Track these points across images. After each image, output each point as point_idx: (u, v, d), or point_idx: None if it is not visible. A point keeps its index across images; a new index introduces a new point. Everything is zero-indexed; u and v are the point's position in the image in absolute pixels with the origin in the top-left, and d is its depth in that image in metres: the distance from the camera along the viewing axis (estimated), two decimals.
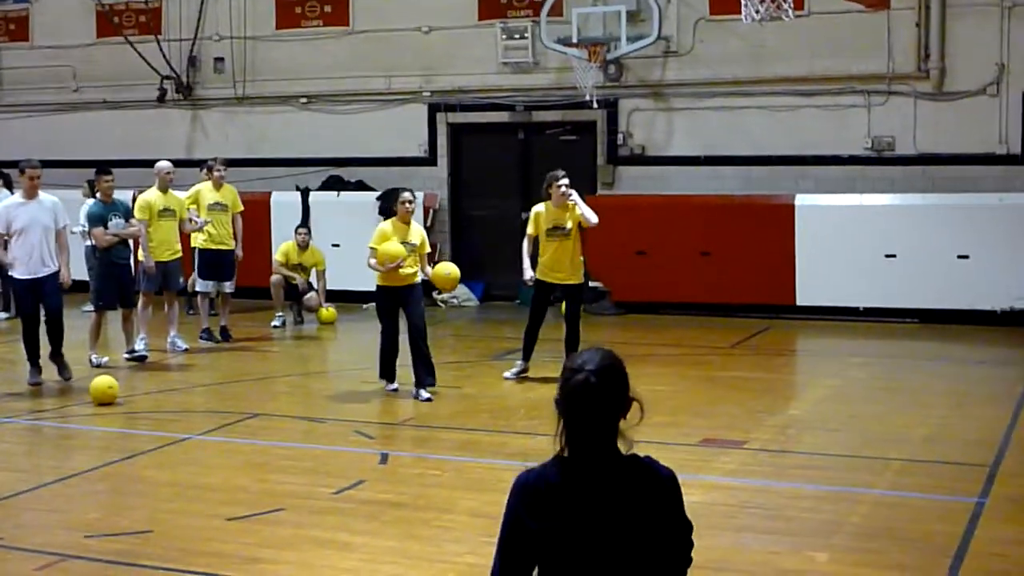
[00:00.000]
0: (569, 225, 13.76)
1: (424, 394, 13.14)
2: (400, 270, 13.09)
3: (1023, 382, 13.96)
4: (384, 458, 10.78)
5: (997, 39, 18.23)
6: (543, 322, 14.09)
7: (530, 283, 14.03)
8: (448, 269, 14.05)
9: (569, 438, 4.24)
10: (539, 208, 13.96)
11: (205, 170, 17.38)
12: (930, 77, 18.53)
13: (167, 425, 12.26)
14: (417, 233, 13.59)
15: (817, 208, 18.39)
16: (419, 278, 13.51)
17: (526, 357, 14.18)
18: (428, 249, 13.93)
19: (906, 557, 8.20)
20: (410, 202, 13.59)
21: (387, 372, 13.60)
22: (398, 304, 13.33)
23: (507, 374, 14.17)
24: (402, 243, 13.23)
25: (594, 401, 4.17)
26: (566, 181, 13.82)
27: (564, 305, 14.30)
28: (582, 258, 14.21)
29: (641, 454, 4.49)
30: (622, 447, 4.36)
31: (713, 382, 14.26)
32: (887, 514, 9.15)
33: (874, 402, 12.99)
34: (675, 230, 19.06)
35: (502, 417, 12.37)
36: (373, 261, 13.26)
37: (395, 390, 13.48)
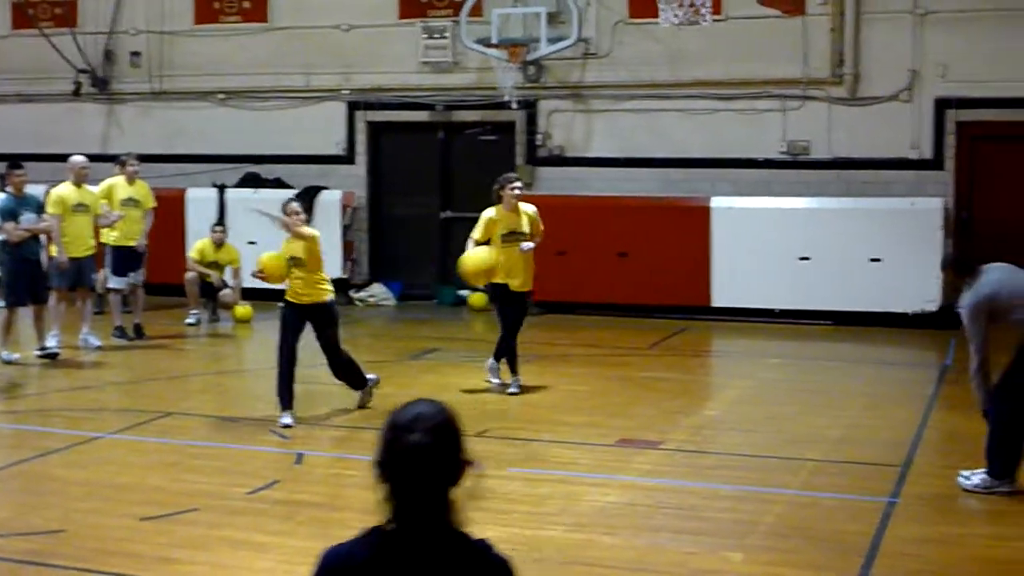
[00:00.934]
0: (526, 229, 13.35)
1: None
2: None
3: (934, 383, 14.18)
4: (300, 458, 10.73)
5: (910, 46, 18.48)
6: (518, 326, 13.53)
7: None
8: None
9: (393, 508, 3.60)
10: (490, 213, 13.29)
11: (118, 165, 17.19)
12: (844, 82, 18.75)
13: (80, 423, 12.11)
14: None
15: (733, 210, 18.55)
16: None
17: (513, 369, 13.52)
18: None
19: (819, 556, 8.30)
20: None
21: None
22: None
23: (511, 390, 13.33)
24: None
25: (427, 467, 3.63)
26: (520, 184, 13.48)
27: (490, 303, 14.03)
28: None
29: (475, 536, 3.85)
30: (455, 522, 3.76)
31: (630, 383, 14.33)
32: (801, 514, 9.26)
33: (788, 403, 13.12)
34: (593, 231, 19.13)
35: None
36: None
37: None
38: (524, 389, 13.39)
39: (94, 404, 13.13)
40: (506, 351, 13.50)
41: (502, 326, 13.47)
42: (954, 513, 9.24)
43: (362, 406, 12.73)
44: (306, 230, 11.86)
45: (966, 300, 9.43)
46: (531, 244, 13.29)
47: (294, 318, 12.20)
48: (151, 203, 17.09)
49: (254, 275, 12.39)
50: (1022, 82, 17.90)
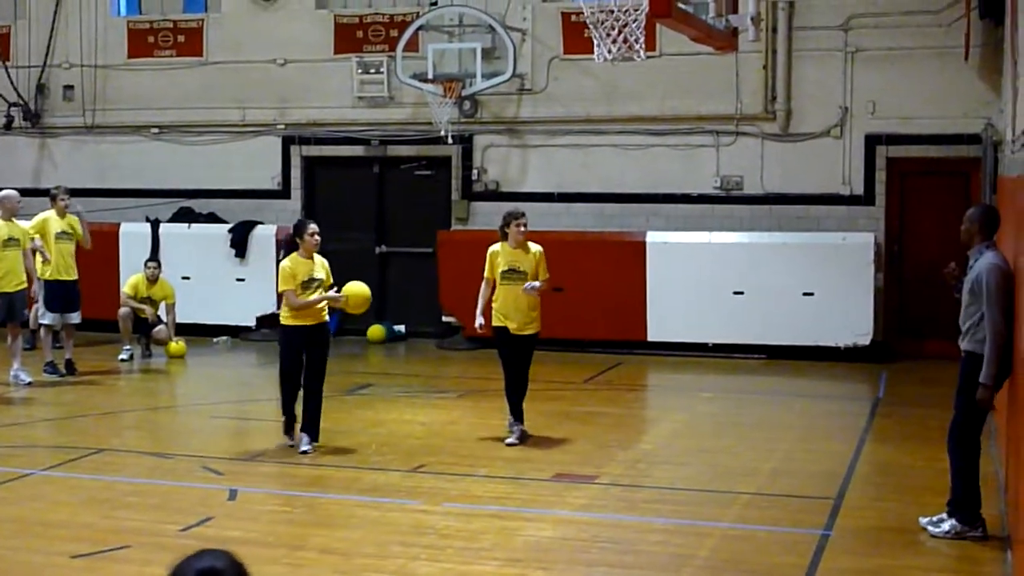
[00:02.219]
0: (526, 268, 12.63)
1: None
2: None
3: (866, 416, 14.30)
4: (233, 494, 10.65)
5: (841, 83, 18.71)
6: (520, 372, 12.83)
7: (479, 329, 12.94)
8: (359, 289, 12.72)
9: None
10: (495, 248, 12.82)
11: (51, 199, 17.04)
12: (776, 118, 18.95)
13: (10, 460, 11.96)
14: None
15: (668, 245, 18.65)
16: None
17: (517, 417, 12.77)
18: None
19: None
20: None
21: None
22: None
23: (508, 441, 12.58)
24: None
25: None
26: (525, 220, 12.74)
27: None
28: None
29: None
30: None
31: (566, 417, 14.34)
32: (735, 547, 9.29)
33: (722, 436, 13.18)
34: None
35: (353, 452, 12.29)
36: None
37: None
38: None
39: (25, 440, 12.98)
40: (509, 393, 12.84)
41: (503, 369, 12.88)
42: (887, 545, 9.30)
43: (305, 451, 12.22)
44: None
45: (998, 259, 9.03)
46: (535, 284, 12.58)
47: (301, 340, 12.40)
48: (80, 235, 16.91)
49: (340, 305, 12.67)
50: (950, 119, 18.17)
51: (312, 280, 12.34)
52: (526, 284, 12.58)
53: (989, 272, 8.93)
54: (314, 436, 12.38)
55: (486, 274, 12.84)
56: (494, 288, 12.84)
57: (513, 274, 12.67)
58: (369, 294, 12.81)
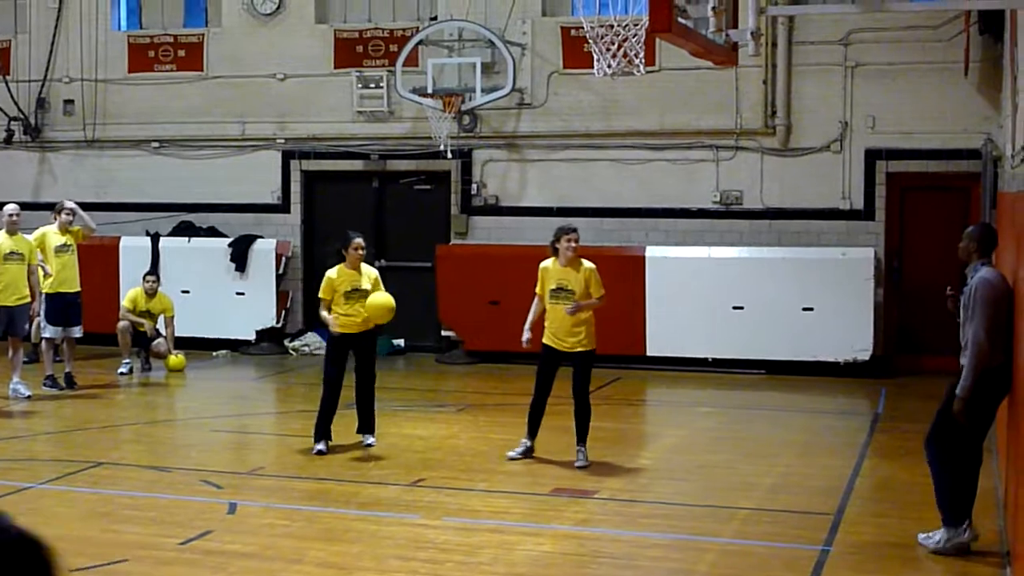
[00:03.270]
0: (573, 287, 12.31)
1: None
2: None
3: (866, 432, 14.29)
4: (232, 508, 10.64)
5: (841, 98, 18.74)
6: (549, 394, 12.67)
7: (525, 345, 12.70)
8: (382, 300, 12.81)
9: None
10: (545, 264, 12.52)
11: (55, 214, 17.04)
12: (776, 133, 18.98)
13: (9, 474, 11.96)
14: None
15: (667, 260, 18.66)
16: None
17: (531, 434, 12.67)
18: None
19: None
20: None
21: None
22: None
23: (510, 454, 12.57)
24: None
25: None
26: (575, 236, 12.36)
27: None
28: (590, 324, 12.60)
29: None
30: None
31: (564, 432, 14.30)
32: (734, 562, 9.29)
33: (722, 451, 13.17)
34: (527, 280, 19.02)
35: (352, 466, 12.29)
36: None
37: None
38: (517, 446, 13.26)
39: (24, 454, 12.97)
40: (532, 410, 12.67)
41: (535, 386, 12.65)
42: (887, 561, 9.29)
43: (369, 444, 13.10)
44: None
45: (993, 275, 9.07)
46: (578, 305, 12.23)
47: (344, 348, 12.95)
48: (79, 238, 16.93)
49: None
50: (950, 134, 18.20)
51: (355, 291, 12.78)
52: (568, 307, 12.27)
53: (978, 286, 8.98)
54: (372, 431, 13.22)
55: (536, 290, 12.64)
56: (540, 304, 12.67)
57: (561, 292, 12.37)
58: (386, 303, 12.81)
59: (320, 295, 12.97)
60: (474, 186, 20.28)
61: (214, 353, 20.17)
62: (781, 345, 18.12)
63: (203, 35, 21.66)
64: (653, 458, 13.20)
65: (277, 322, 20.60)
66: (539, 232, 19.54)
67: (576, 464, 12.39)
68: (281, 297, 20.69)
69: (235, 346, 20.51)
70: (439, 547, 9.48)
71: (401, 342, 20.52)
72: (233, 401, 16.90)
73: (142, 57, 21.92)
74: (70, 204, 16.96)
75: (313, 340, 20.64)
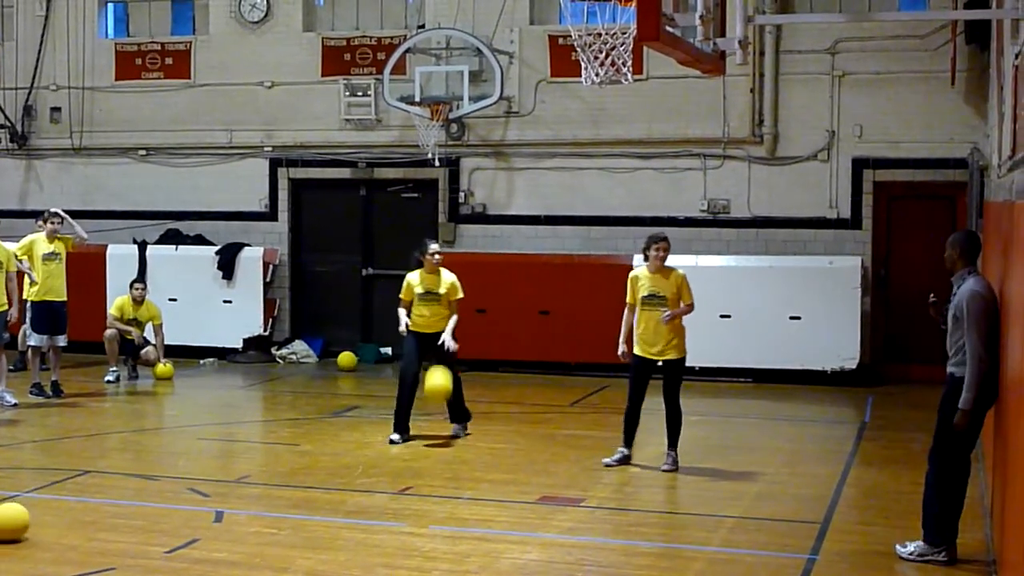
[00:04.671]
0: (665, 293, 12.52)
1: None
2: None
3: (853, 440, 14.31)
4: (219, 516, 10.62)
5: (828, 106, 18.78)
6: (643, 401, 12.77)
7: (623, 358, 12.79)
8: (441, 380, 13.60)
9: None
10: (636, 272, 12.85)
11: (42, 221, 17.00)
12: (764, 142, 19.01)
13: None
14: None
15: None
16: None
17: (627, 442, 12.81)
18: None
19: None
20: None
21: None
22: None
23: (606, 461, 12.68)
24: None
25: None
26: (663, 245, 12.62)
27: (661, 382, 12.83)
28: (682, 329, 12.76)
29: None
30: None
31: (551, 440, 14.34)
32: (721, 571, 9.28)
33: (708, 460, 13.16)
34: (515, 289, 19.19)
35: (339, 474, 12.28)
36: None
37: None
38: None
39: (10, 463, 12.92)
40: (627, 418, 12.82)
41: (628, 395, 12.81)
42: (873, 569, 9.30)
43: (456, 436, 14.04)
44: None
45: (980, 286, 9.05)
46: (673, 313, 12.45)
47: (417, 345, 13.86)
48: (69, 247, 16.91)
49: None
50: (937, 143, 18.25)
51: (428, 293, 13.80)
52: (663, 315, 12.43)
53: (970, 299, 8.98)
54: (462, 419, 14.22)
55: (627, 299, 12.78)
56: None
57: (653, 299, 12.56)
58: (440, 390, 13.61)
59: (400, 296, 13.99)
60: (462, 194, 20.28)
61: (201, 361, 20.14)
62: (768, 353, 18.13)
63: (190, 43, 21.63)
64: (640, 466, 13.17)
65: (264, 330, 20.57)
66: (527, 240, 19.60)
67: (663, 467, 12.53)
68: (268, 305, 20.67)
69: (222, 354, 20.48)
70: (426, 555, 9.47)
71: (388, 350, 20.50)
72: (220, 409, 16.87)
73: (129, 65, 21.89)
74: (57, 212, 16.93)
75: (300, 348, 20.62)
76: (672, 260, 18.31)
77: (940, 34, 18.01)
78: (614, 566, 9.41)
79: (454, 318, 13.91)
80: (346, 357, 19.77)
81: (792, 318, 18.14)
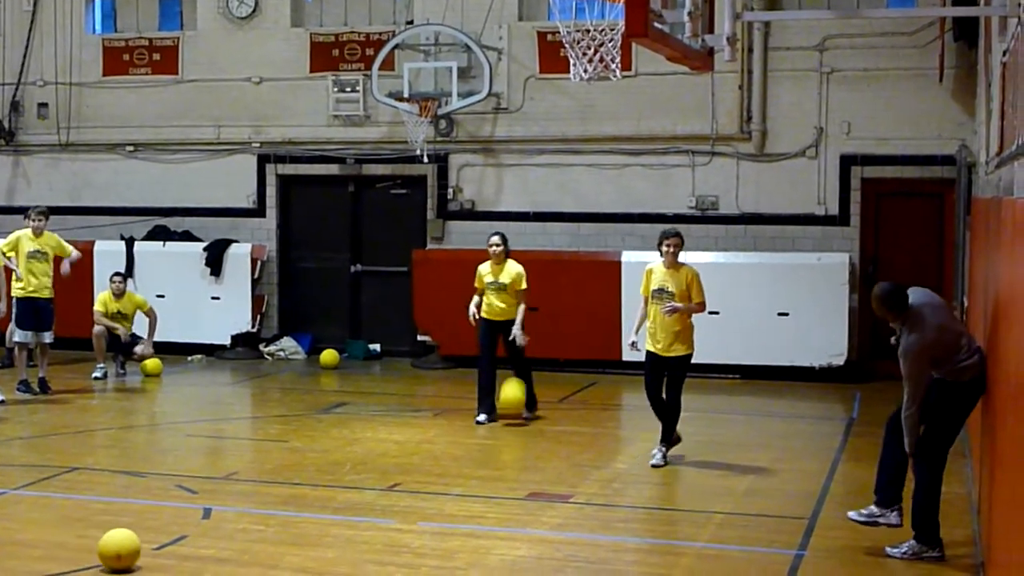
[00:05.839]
0: (674, 289, 12.62)
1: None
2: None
3: (840, 436, 14.34)
4: (207, 513, 10.62)
5: (816, 103, 18.80)
6: (661, 396, 12.77)
7: (632, 348, 12.95)
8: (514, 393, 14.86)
9: None
10: (652, 266, 12.94)
11: (25, 218, 16.96)
12: (752, 139, 19.02)
13: None
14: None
15: (643, 265, 18.48)
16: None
17: (668, 439, 12.84)
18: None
19: None
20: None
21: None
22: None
23: (652, 462, 12.59)
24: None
25: None
26: (673, 241, 12.69)
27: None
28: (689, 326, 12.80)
29: None
30: None
31: (540, 436, 14.35)
32: (709, 567, 9.30)
33: (697, 456, 13.17)
34: None
35: (328, 471, 12.27)
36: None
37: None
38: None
39: None
40: (656, 414, 12.84)
41: (647, 395, 12.85)
42: (861, 565, 9.32)
43: (527, 418, 14.90)
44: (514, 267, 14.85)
45: (911, 341, 9.23)
46: (674, 306, 12.48)
47: (491, 332, 14.79)
48: (66, 252, 16.89)
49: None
50: (925, 140, 18.26)
51: (494, 283, 14.71)
52: (663, 307, 12.55)
53: (901, 359, 9.27)
54: (531, 407, 15.07)
55: (641, 291, 12.96)
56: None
57: (662, 294, 12.68)
58: (512, 400, 14.89)
59: (474, 285, 14.92)
60: (450, 191, 20.27)
61: (189, 358, 20.11)
62: (756, 350, 18.15)
63: (178, 38, 21.59)
64: (628, 463, 13.19)
65: (252, 327, 20.54)
66: (516, 237, 19.52)
67: (651, 462, 12.58)
68: (257, 302, 20.64)
69: (210, 351, 20.46)
70: (415, 552, 9.48)
71: (377, 347, 20.50)
72: (208, 406, 16.85)
73: (117, 60, 21.84)
74: (42, 209, 16.90)
75: (288, 345, 20.60)
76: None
77: (928, 31, 18.03)
78: (602, 562, 9.42)
79: (522, 308, 14.68)
80: (329, 355, 19.73)
81: (780, 314, 18.15)
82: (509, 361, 14.96)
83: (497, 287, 14.72)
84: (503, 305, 14.71)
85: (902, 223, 18.73)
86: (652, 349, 12.74)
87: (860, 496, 11.53)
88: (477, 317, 14.81)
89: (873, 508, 9.76)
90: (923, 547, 9.31)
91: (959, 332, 9.51)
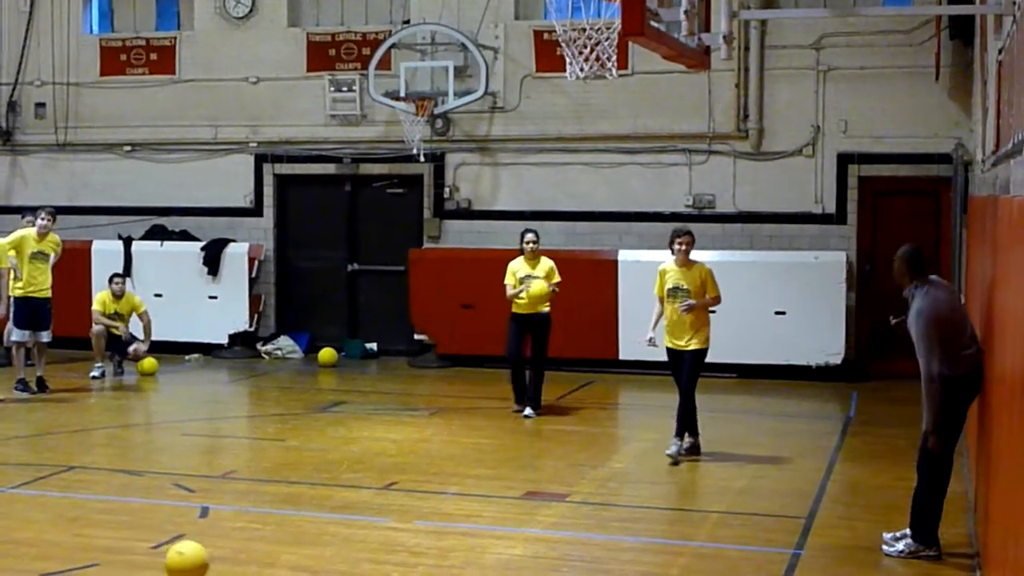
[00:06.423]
0: (688, 286, 12.87)
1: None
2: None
3: (837, 435, 14.34)
4: (204, 512, 10.62)
5: (813, 102, 18.80)
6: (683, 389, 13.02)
7: (648, 345, 13.20)
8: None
9: None
10: (664, 266, 13.19)
11: (31, 218, 16.96)
12: (749, 137, 19.02)
13: None
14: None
15: (640, 263, 18.65)
16: None
17: (691, 432, 13.08)
18: None
19: None
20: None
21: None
22: None
23: (668, 452, 12.81)
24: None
25: None
26: (683, 239, 12.99)
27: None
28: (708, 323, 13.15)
29: None
30: None
31: (537, 435, 14.36)
32: (706, 566, 9.30)
33: (693, 455, 13.18)
34: (500, 284, 19.06)
35: (325, 470, 12.28)
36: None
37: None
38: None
39: None
40: (679, 413, 13.00)
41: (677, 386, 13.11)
42: (857, 564, 9.33)
43: (528, 416, 15.05)
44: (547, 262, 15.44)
45: (927, 302, 9.18)
46: (690, 304, 12.76)
47: (521, 327, 15.18)
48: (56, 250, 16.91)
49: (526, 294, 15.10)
50: (922, 138, 18.27)
51: (529, 277, 15.11)
52: (680, 305, 12.78)
53: (915, 322, 9.12)
54: (536, 406, 15.15)
55: (655, 291, 13.16)
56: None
57: (678, 292, 12.90)
58: (537, 293, 15.05)
59: (505, 282, 15.29)
60: (447, 190, 20.27)
61: (186, 357, 20.10)
62: (753, 348, 18.14)
63: (175, 38, 21.59)
64: (625, 462, 13.21)
65: (250, 326, 20.54)
66: (512, 236, 19.50)
67: (667, 452, 12.74)
68: (254, 301, 20.64)
69: (208, 350, 20.45)
70: (411, 550, 9.48)
71: (374, 346, 20.50)
72: (205, 405, 16.85)
73: (114, 60, 21.83)
74: (50, 210, 16.91)
75: (286, 344, 20.60)
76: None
77: (924, 29, 18.04)
78: (599, 561, 9.42)
79: (554, 291, 15.20)
80: (327, 353, 19.74)
81: (777, 313, 18.16)
82: (531, 353, 15.31)
83: (532, 280, 15.12)
84: (534, 299, 15.10)
85: (899, 221, 18.70)
86: (672, 346, 12.99)
87: (857, 494, 11.57)
88: (521, 290, 15.12)
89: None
90: (920, 546, 9.32)
91: (965, 318, 9.48)
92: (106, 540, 9.74)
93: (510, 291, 15.21)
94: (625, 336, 18.57)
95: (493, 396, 16.97)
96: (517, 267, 15.35)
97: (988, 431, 8.61)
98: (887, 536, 9.54)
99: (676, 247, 12.99)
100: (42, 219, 16.69)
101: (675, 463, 12.68)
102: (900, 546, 9.39)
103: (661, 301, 13.10)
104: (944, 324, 9.07)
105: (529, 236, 15.39)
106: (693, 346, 12.95)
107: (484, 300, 18.98)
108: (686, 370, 12.97)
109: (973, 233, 12.69)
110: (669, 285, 12.96)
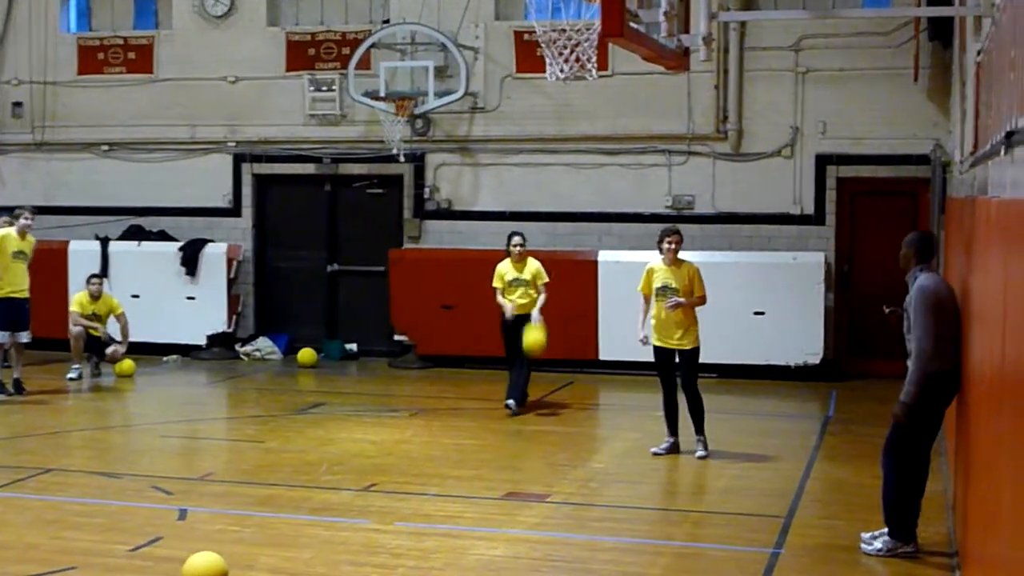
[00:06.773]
0: (677, 285, 12.98)
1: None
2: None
3: (816, 435, 14.37)
4: (183, 514, 10.58)
5: (792, 103, 18.83)
6: (676, 389, 13.18)
7: (642, 343, 13.23)
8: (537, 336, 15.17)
9: None
10: (652, 264, 13.27)
11: (13, 218, 16.88)
12: (728, 138, 19.05)
13: None
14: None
15: (620, 264, 18.68)
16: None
17: (672, 431, 13.23)
18: None
19: None
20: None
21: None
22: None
23: (654, 450, 13.10)
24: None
25: None
26: (673, 239, 13.08)
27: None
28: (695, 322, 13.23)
29: None
30: None
31: (517, 436, 14.35)
32: (686, 565, 9.32)
33: (674, 455, 13.18)
34: (480, 284, 19.05)
35: (304, 471, 12.25)
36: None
37: None
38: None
39: None
40: (665, 408, 13.24)
41: (661, 385, 13.26)
42: (837, 563, 9.34)
43: (515, 413, 15.29)
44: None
45: (928, 283, 9.20)
46: (677, 301, 12.88)
47: (513, 326, 15.30)
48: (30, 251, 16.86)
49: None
50: (900, 139, 18.31)
51: (516, 280, 15.39)
52: (667, 301, 12.90)
53: (916, 296, 9.15)
54: (520, 402, 15.39)
55: (640, 288, 13.27)
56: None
57: (666, 291, 13.01)
58: (534, 343, 15.14)
59: (493, 284, 15.54)
60: (427, 190, 20.25)
61: (164, 358, 20.04)
62: (732, 349, 18.13)
63: (153, 37, 21.52)
64: (605, 462, 13.21)
65: (228, 327, 20.48)
66: (492, 236, 19.56)
67: (697, 454, 12.89)
68: (232, 301, 20.58)
69: (186, 351, 20.39)
70: (391, 552, 9.47)
71: (354, 347, 20.47)
72: (183, 406, 16.78)
73: (91, 59, 21.75)
74: (30, 209, 16.86)
75: (264, 345, 20.55)
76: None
77: (903, 31, 18.09)
78: (579, 561, 9.42)
79: (542, 297, 15.40)
80: (306, 354, 19.70)
81: (756, 313, 18.18)
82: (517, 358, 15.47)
83: (519, 283, 15.37)
84: (525, 300, 15.31)
85: (877, 222, 18.76)
86: (662, 344, 13.06)
87: (836, 493, 11.60)
88: (509, 308, 15.33)
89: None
90: (897, 543, 9.34)
91: (957, 312, 9.48)
92: (84, 543, 9.70)
93: (499, 299, 15.43)
94: (605, 336, 18.59)
95: (473, 397, 16.97)
96: (504, 270, 15.49)
97: (966, 431, 8.63)
98: (865, 536, 9.57)
99: (666, 246, 13.07)
100: (26, 218, 16.62)
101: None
102: (878, 544, 9.42)
103: (646, 299, 13.16)
104: (940, 304, 9.11)
105: (516, 239, 15.50)
106: (688, 345, 13.07)
107: (464, 300, 18.98)
108: (686, 370, 13.12)
109: (951, 234, 12.72)
110: (657, 284, 13.05)
